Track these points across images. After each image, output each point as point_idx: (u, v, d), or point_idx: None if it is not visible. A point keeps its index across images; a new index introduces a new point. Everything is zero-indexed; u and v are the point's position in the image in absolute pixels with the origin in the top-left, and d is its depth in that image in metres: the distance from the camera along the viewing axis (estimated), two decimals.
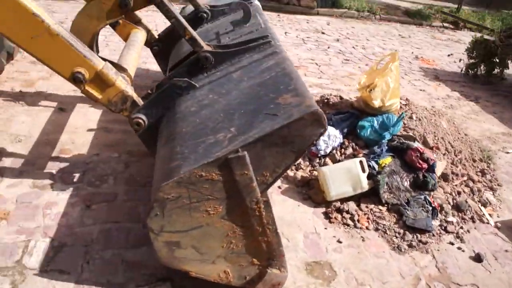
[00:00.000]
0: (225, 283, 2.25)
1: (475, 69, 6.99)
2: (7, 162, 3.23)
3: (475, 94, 6.32)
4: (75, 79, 2.34)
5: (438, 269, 2.82)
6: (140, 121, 2.51)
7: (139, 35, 3.49)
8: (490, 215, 3.43)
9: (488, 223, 3.34)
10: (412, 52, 8.15)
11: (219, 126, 2.12)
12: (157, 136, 2.52)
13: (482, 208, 3.46)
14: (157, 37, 3.83)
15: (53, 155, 3.37)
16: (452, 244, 3.07)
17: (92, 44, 2.95)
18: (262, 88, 2.27)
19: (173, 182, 1.91)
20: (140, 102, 2.54)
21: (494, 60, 6.75)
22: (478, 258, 2.95)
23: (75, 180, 3.12)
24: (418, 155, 3.45)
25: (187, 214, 2.02)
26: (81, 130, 3.76)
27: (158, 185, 1.95)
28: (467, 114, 5.55)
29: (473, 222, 3.33)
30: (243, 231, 2.11)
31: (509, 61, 6.72)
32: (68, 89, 4.37)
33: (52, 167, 3.23)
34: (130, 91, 2.52)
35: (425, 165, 3.45)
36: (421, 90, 6.11)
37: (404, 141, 3.56)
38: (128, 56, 2.95)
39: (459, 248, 3.03)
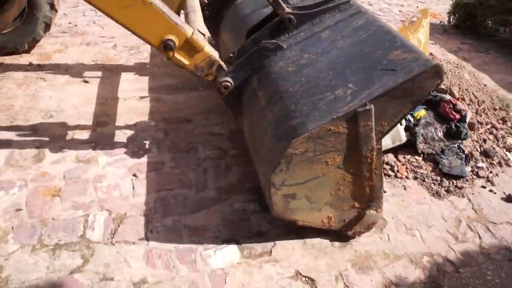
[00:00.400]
0: (326, 228, 2.46)
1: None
2: (45, 138, 3.20)
3: (484, 46, 6.34)
4: (165, 47, 2.37)
5: (474, 211, 2.94)
6: (228, 84, 2.59)
7: (195, 0, 3.41)
8: None
9: None
10: (417, 7, 8.09)
11: (333, 84, 2.19)
12: (240, 98, 2.64)
13: (507, 153, 3.56)
14: (206, 1, 3.76)
15: (90, 128, 3.35)
16: (484, 187, 3.17)
17: (179, 12, 2.92)
18: (365, 46, 2.33)
19: (303, 138, 2.03)
20: (225, 66, 2.59)
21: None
22: (509, 199, 3.07)
23: (118, 151, 3.12)
24: (451, 106, 3.52)
25: (309, 167, 2.16)
26: (111, 101, 3.72)
27: (279, 143, 2.10)
28: (479, 65, 5.58)
29: (500, 166, 3.43)
30: (352, 178, 2.29)
31: (489, 23, 6.73)
32: (87, 60, 4.29)
33: (92, 140, 3.21)
34: (217, 56, 2.58)
35: (457, 116, 3.52)
36: (432, 43, 6.11)
37: (437, 94, 3.61)
38: (197, 22, 2.91)
39: (490, 191, 3.14)
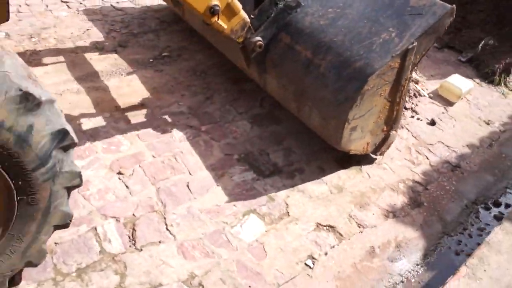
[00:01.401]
0: (363, 153, 2.93)
1: None
2: None
3: None
4: (213, 12, 2.48)
5: (415, 137, 3.51)
6: (261, 43, 2.79)
7: None
8: (422, 89, 4.22)
9: (424, 95, 4.12)
10: None
11: (374, 30, 2.61)
12: (265, 56, 2.92)
13: (416, 85, 4.23)
14: None
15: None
16: (412, 117, 3.77)
17: None
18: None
19: (375, 75, 2.46)
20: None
21: None
22: (432, 122, 3.72)
23: (87, 152, 2.82)
24: None
25: (370, 100, 2.59)
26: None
27: (352, 83, 2.50)
28: None
29: (416, 97, 4.08)
30: (389, 105, 2.75)
31: None
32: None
33: None
34: (248, 18, 2.71)
35: None
36: None
37: None
38: None
39: (418, 119, 3.75)
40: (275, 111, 3.43)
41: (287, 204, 2.68)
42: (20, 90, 1.47)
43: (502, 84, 4.37)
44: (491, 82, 4.37)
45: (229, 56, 3.54)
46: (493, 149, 3.55)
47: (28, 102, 1.50)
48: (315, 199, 2.75)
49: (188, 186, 2.68)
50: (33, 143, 1.55)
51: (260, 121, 3.31)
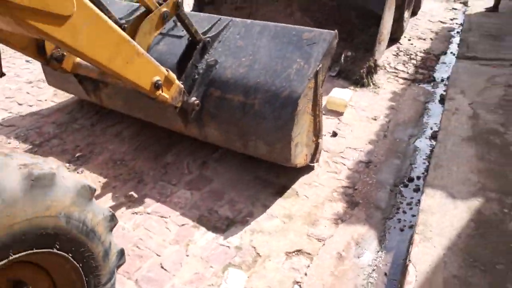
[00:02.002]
0: (305, 165, 3.46)
1: None
2: None
3: None
4: (157, 87, 2.72)
5: (326, 151, 4.03)
6: (198, 101, 3.23)
7: None
8: None
9: None
10: None
11: (286, 64, 3.17)
12: (201, 111, 3.34)
13: None
14: None
15: None
16: None
17: None
18: (281, 37, 3.34)
19: (301, 97, 3.00)
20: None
21: None
22: (334, 134, 4.29)
23: None
24: None
25: (302, 118, 3.13)
26: None
27: (286, 109, 3.01)
28: None
29: None
30: (312, 119, 3.32)
31: None
32: None
33: None
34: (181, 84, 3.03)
35: None
36: None
37: None
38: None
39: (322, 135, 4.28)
40: (203, 172, 3.68)
41: (254, 247, 2.93)
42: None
43: (371, 84, 5.16)
44: (362, 85, 5.13)
45: (161, 123, 3.83)
46: (388, 138, 4.20)
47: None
48: (274, 233, 3.04)
49: (162, 267, 2.79)
50: (97, 232, 1.79)
51: (195, 185, 3.53)
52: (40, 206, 1.50)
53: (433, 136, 4.24)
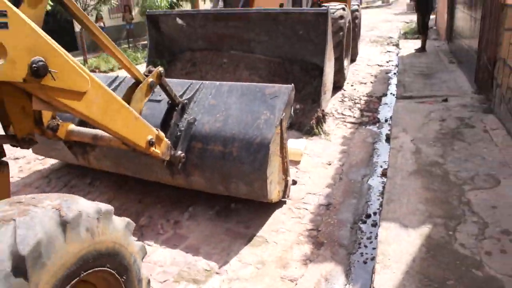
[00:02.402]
0: (278, 200, 3.99)
1: None
2: None
3: None
4: (151, 144, 3.15)
5: (289, 199, 4.34)
6: (184, 155, 3.71)
7: None
8: None
9: None
10: None
11: (255, 116, 3.73)
12: (186, 163, 3.78)
13: None
14: None
15: None
16: None
17: None
18: (247, 94, 3.93)
19: (271, 142, 3.56)
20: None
21: None
22: (294, 182, 4.62)
23: None
24: None
25: (273, 159, 3.66)
26: None
27: (260, 153, 3.56)
28: None
29: None
30: (281, 160, 3.86)
31: None
32: None
33: None
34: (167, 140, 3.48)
35: None
36: None
37: None
38: None
39: None
40: (177, 230, 3.89)
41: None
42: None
43: (322, 133, 5.62)
44: (314, 134, 5.57)
45: (148, 177, 4.25)
46: (343, 180, 4.59)
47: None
48: (250, 279, 3.27)
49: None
50: (135, 256, 2.27)
51: (172, 243, 3.72)
52: (106, 235, 1.99)
53: (384, 174, 4.67)
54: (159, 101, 4.05)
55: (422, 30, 11.44)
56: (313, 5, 8.68)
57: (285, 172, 3.99)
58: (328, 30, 6.00)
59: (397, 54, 11.72)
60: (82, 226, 1.82)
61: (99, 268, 1.94)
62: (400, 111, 6.28)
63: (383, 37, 15.99)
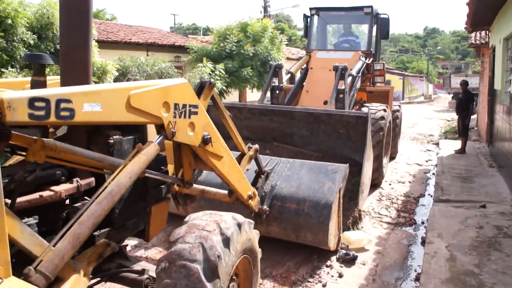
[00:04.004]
0: (333, 249, 5.05)
1: None
2: None
3: None
4: (250, 198, 4.04)
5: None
6: (268, 209, 4.70)
7: None
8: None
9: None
10: None
11: (321, 185, 4.92)
12: (268, 215, 4.78)
13: None
14: None
15: None
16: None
17: None
18: (315, 169, 5.16)
19: (333, 204, 4.72)
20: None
21: None
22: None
23: None
24: None
25: (333, 217, 4.80)
26: None
27: (325, 209, 4.72)
28: None
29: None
30: (337, 219, 5.03)
31: None
32: None
33: None
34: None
35: None
36: None
37: None
38: None
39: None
40: None
41: None
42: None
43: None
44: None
45: None
46: (376, 282, 4.66)
47: None
48: None
49: None
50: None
51: None
52: (250, 234, 3.04)
53: (417, 279, 4.71)
54: (247, 169, 4.83)
55: (462, 132, 11.67)
56: (356, 104, 9.15)
57: (338, 229, 5.05)
58: (367, 132, 6.35)
59: (436, 154, 11.88)
60: (245, 226, 2.92)
61: (245, 255, 3.00)
62: (436, 215, 6.37)
63: (424, 135, 16.27)
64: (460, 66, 74.22)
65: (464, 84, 11.71)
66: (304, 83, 9.29)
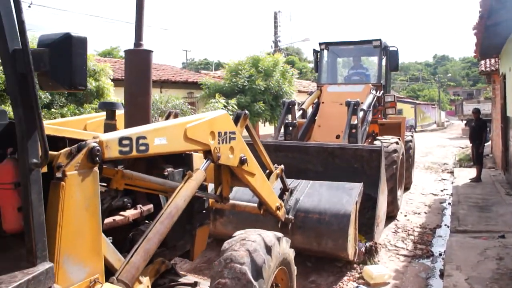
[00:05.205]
0: (351, 258, 5.37)
1: None
2: None
3: None
4: (278, 209, 4.47)
5: None
6: (293, 218, 5.18)
7: None
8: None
9: None
10: None
11: (339, 198, 5.39)
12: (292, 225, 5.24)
13: None
14: None
15: None
16: None
17: None
18: (331, 188, 5.62)
19: (351, 214, 5.16)
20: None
21: None
22: None
23: None
24: None
25: (351, 226, 5.14)
26: None
27: (345, 217, 5.17)
28: None
29: None
30: (354, 230, 5.37)
31: None
32: None
33: None
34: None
35: None
36: None
37: None
38: None
39: None
40: None
41: None
42: None
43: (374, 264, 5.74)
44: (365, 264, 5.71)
45: None
46: None
47: None
48: None
49: None
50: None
51: None
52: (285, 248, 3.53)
53: None
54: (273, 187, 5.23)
55: (476, 160, 11.62)
56: (368, 137, 9.22)
57: (356, 240, 5.41)
58: (381, 165, 6.40)
59: (452, 183, 11.80)
60: (283, 241, 3.48)
61: (282, 266, 3.47)
62: (453, 247, 6.32)
63: (438, 163, 16.19)
64: (472, 92, 74.06)
65: (476, 112, 11.73)
66: (316, 118, 9.42)
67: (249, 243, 3.15)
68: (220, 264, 3.05)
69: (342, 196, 5.40)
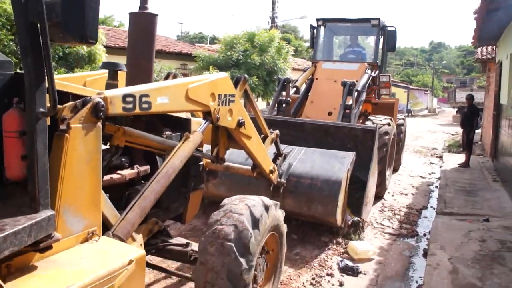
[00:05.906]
0: (338, 225, 5.50)
1: None
2: None
3: None
4: (271, 172, 4.62)
5: None
6: (285, 182, 5.29)
7: None
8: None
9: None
10: None
11: (331, 165, 5.51)
12: (284, 188, 5.37)
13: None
14: None
15: None
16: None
17: None
18: (326, 154, 5.77)
19: (342, 180, 5.32)
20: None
21: None
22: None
23: None
24: None
25: (341, 192, 5.28)
26: None
27: (336, 184, 5.30)
28: None
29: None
30: (343, 198, 5.50)
31: None
32: None
33: None
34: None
35: None
36: None
37: None
38: None
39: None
40: None
41: None
42: None
43: (359, 240, 5.77)
44: (351, 240, 5.73)
45: None
46: None
47: None
48: None
49: None
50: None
51: None
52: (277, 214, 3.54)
53: None
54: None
55: (466, 146, 11.68)
56: (361, 116, 9.16)
57: (345, 208, 5.60)
58: (374, 146, 6.36)
59: (440, 167, 11.89)
60: (272, 208, 3.40)
61: (272, 232, 3.50)
62: (439, 227, 6.36)
63: (427, 148, 16.28)
64: (465, 81, 74.15)
65: (470, 98, 11.74)
66: (309, 94, 9.32)
67: (249, 200, 3.30)
68: (219, 213, 3.16)
69: (334, 164, 5.53)
